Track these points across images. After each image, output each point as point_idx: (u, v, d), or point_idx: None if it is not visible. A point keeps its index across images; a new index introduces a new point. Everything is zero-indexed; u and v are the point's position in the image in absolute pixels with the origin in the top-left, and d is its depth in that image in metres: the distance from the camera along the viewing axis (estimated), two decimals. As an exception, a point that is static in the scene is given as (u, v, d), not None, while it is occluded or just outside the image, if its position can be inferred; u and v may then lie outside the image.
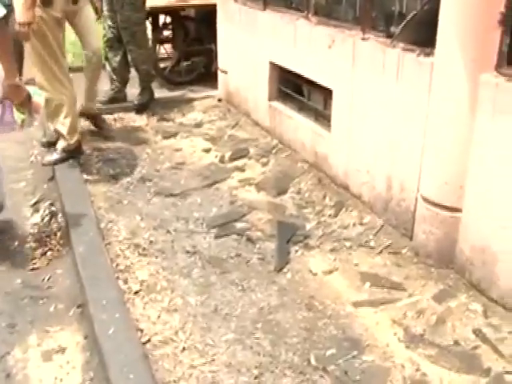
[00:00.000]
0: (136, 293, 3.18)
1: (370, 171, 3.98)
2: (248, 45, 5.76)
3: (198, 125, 5.84)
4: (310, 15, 4.63)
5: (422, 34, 3.41)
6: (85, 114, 5.45)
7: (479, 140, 3.06)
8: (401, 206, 3.71)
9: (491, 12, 2.91)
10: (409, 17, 3.54)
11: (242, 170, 4.77)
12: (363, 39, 3.93)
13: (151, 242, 3.70)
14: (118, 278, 3.29)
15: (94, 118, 5.53)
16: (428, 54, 3.35)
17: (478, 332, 2.88)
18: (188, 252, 3.58)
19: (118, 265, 3.44)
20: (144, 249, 3.62)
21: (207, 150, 5.17)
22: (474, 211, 3.17)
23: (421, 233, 3.47)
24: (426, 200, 3.40)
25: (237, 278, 3.33)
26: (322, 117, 4.66)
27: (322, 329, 2.92)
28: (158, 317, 2.99)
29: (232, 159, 4.96)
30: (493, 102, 2.94)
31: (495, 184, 3.00)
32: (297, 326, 2.94)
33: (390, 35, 3.71)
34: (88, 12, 5.01)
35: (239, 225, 3.90)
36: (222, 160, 4.96)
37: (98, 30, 5.34)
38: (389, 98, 3.71)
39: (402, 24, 3.58)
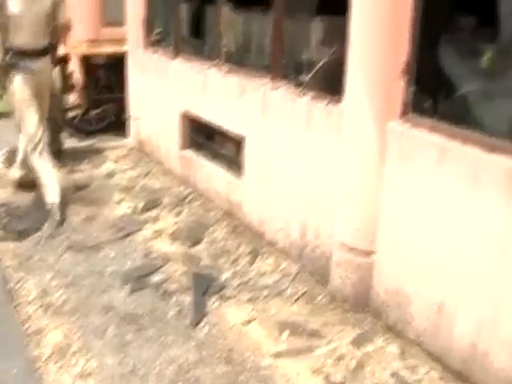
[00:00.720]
0: (48, 358, 3.03)
1: (285, 218, 4.01)
2: (159, 93, 5.75)
3: (110, 175, 5.73)
4: (220, 64, 4.68)
5: (331, 83, 3.51)
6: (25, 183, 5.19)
7: (389, 186, 3.16)
8: (316, 252, 3.74)
9: (395, 61, 3.04)
10: (317, 66, 3.65)
11: (155, 220, 4.70)
12: (273, 88, 4.00)
13: (64, 300, 3.56)
14: (28, 342, 3.14)
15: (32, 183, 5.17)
16: (337, 102, 3.43)
17: (395, 375, 2.92)
18: (103, 309, 3.46)
19: (29, 327, 3.28)
20: (56, 308, 3.47)
21: (119, 201, 5.07)
22: (387, 255, 3.24)
23: (337, 277, 3.51)
24: (340, 245, 3.45)
25: (153, 334, 3.24)
26: (235, 164, 4.68)
27: (243, 383, 2.88)
28: (72, 383, 2.86)
29: (145, 210, 4.89)
30: (398, 149, 3.05)
31: (404, 228, 3.09)
32: (217, 382, 2.88)
33: (299, 84, 3.79)
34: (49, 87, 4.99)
35: (155, 278, 3.82)
36: (134, 211, 4.88)
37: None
38: (300, 145, 3.78)
39: (311, 73, 3.68)
